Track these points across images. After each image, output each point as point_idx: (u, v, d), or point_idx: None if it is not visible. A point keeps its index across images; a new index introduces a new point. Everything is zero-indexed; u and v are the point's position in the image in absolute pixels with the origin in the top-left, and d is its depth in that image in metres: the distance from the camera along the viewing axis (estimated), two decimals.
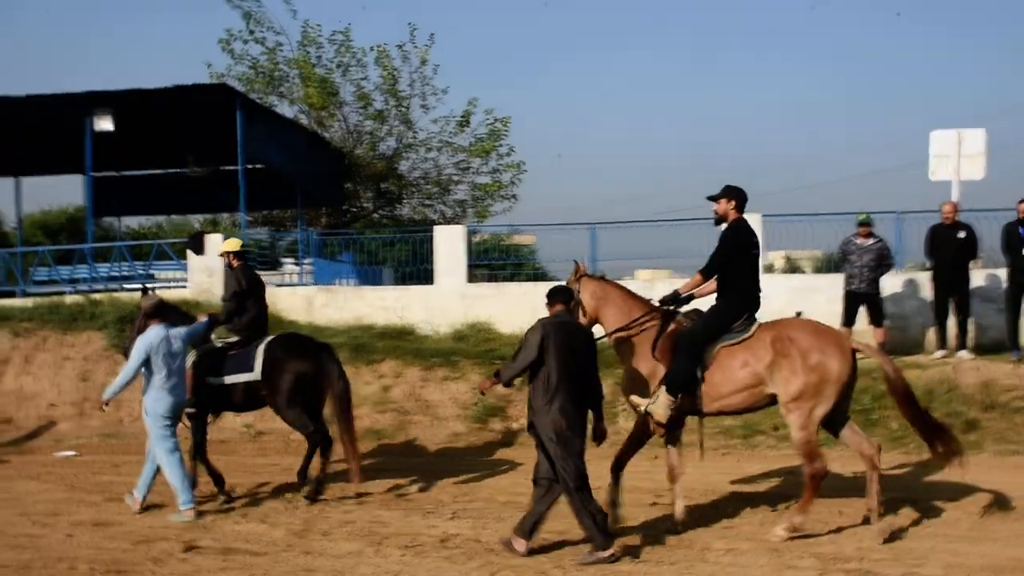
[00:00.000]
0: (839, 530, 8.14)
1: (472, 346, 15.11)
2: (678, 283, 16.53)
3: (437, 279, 17.14)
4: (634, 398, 8.32)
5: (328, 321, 16.81)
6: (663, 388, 8.01)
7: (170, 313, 9.95)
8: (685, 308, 8.53)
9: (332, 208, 27.40)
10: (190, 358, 10.02)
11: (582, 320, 8.39)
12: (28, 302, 17.98)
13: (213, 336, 10.54)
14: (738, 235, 8.30)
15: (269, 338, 10.41)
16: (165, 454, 9.34)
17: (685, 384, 7.99)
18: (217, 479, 10.24)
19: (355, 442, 10.19)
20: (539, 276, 21.88)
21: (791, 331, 7.98)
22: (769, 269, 23.02)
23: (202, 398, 10.19)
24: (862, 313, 13.75)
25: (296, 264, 22.87)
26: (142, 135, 21.99)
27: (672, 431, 8.38)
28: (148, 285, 18.91)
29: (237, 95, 21.00)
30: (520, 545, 7.41)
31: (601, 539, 7.19)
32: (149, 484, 9.60)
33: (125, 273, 20.85)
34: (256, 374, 10.07)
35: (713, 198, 8.44)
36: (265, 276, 20.62)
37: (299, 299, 17.56)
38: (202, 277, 18.02)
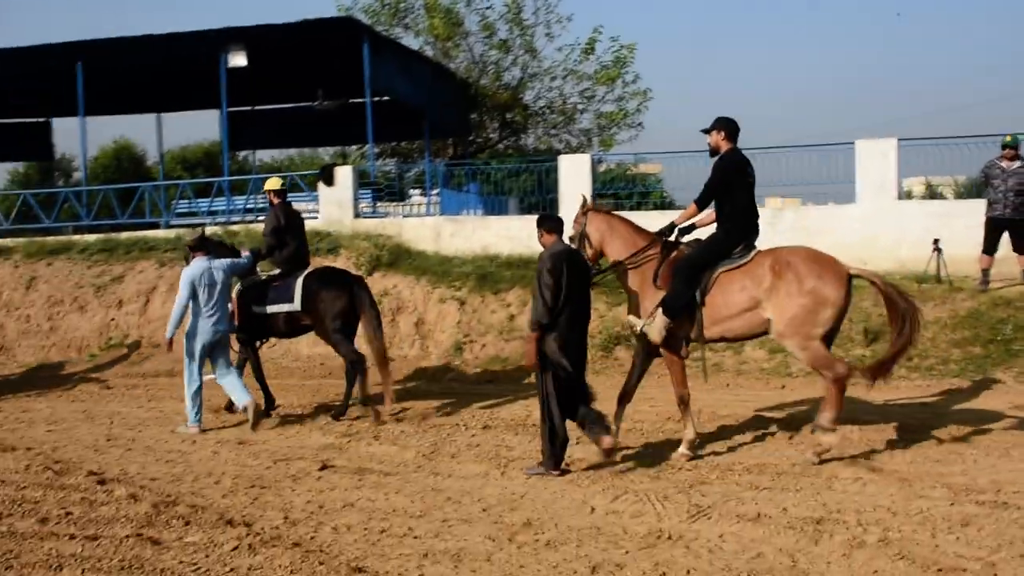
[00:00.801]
0: (973, 461, 7.93)
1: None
2: (811, 211, 16.15)
3: (562, 208, 17.11)
4: (631, 318, 8.67)
5: (455, 251, 17.03)
6: (659, 310, 8.24)
7: (217, 248, 10.85)
8: (688, 238, 8.70)
9: (458, 139, 27.59)
10: (236, 289, 10.87)
11: (588, 252, 8.71)
12: (171, 233, 18.77)
13: (258, 269, 11.31)
14: (729, 166, 8.35)
15: (307, 270, 11.14)
16: (188, 374, 10.30)
17: (682, 307, 8.20)
18: (269, 400, 11.20)
19: (387, 367, 10.90)
20: (666, 205, 21.65)
21: (789, 256, 8.11)
22: (907, 196, 22.25)
23: (250, 326, 11.03)
24: (1005, 240, 13.18)
25: (423, 195, 23.19)
26: (274, 70, 22.53)
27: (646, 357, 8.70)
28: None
29: (363, 28, 21.25)
30: (607, 442, 7.89)
31: (551, 459, 7.84)
32: (242, 387, 10.49)
33: (260, 205, 21.53)
34: (296, 304, 10.85)
35: (706, 131, 8.52)
36: (392, 207, 21.14)
37: (427, 229, 17.81)
38: (332, 209, 18.43)
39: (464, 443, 9.26)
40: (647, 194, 23.88)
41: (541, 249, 8.18)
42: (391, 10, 26.37)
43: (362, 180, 19.97)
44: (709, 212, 8.57)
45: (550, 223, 8.14)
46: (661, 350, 8.49)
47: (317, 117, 25.86)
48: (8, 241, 19.24)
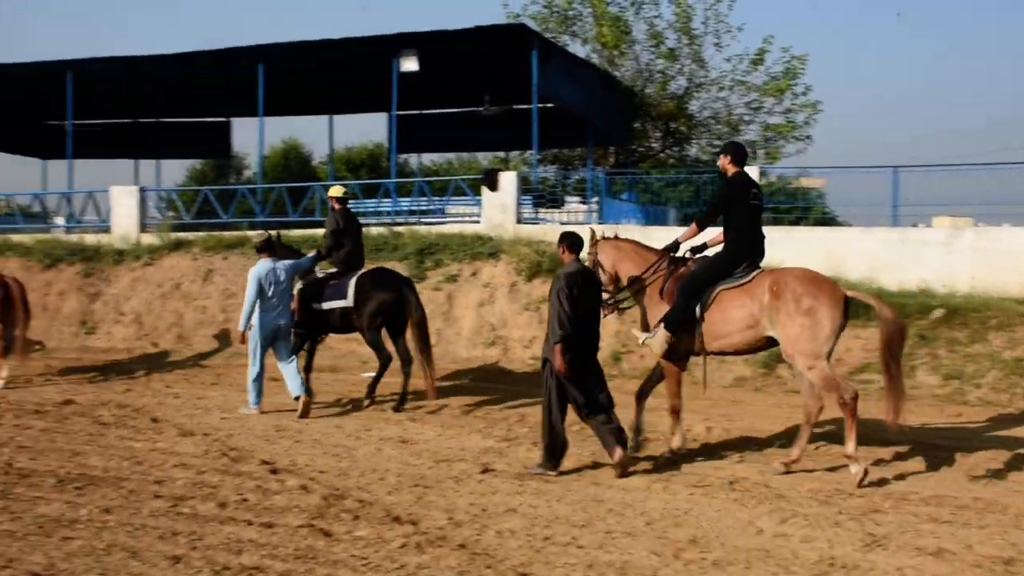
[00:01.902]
0: None
1: None
2: (992, 232, 15.42)
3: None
4: (635, 332, 9.27)
5: None
6: (662, 325, 8.70)
7: (281, 249, 12.02)
8: (699, 255, 9.19)
9: (620, 147, 27.48)
10: (296, 287, 11.95)
11: (603, 276, 9.32)
12: None
13: (317, 268, 12.29)
14: (733, 187, 8.80)
15: (361, 271, 12.03)
16: (252, 360, 11.34)
17: (681, 322, 8.64)
18: (307, 391, 11.63)
19: (431, 362, 11.64)
20: (828, 221, 21.01)
21: (787, 277, 8.39)
22: None
23: (308, 321, 11.95)
24: None
25: (582, 203, 23.17)
26: (442, 75, 22.90)
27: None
28: (443, 219, 20.01)
29: (533, 35, 21.38)
30: (619, 455, 8.23)
31: (549, 460, 8.28)
32: (299, 379, 11.33)
33: (423, 207, 21.96)
34: (349, 301, 11.70)
35: (716, 154, 8.66)
36: (550, 214, 21.20)
37: (587, 237, 17.69)
38: (495, 213, 18.57)
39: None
40: (808, 209, 23.21)
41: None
42: (559, 17, 26.49)
43: (524, 186, 20.10)
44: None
45: (570, 240, 8.54)
46: (660, 361, 9.00)
47: (481, 122, 26.22)
48: (189, 234, 20.19)
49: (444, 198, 22.48)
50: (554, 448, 8.32)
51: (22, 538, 6.45)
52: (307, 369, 12.21)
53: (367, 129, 60.90)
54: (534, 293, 15.87)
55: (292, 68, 22.99)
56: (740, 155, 8.98)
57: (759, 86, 25.97)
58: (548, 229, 18.61)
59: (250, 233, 20.02)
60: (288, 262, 11.75)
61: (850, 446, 8.02)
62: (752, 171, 17.64)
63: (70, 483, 7.86)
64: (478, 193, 19.63)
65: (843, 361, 12.98)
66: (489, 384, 13.54)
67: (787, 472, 8.29)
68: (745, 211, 8.72)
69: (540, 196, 21.77)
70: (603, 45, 25.76)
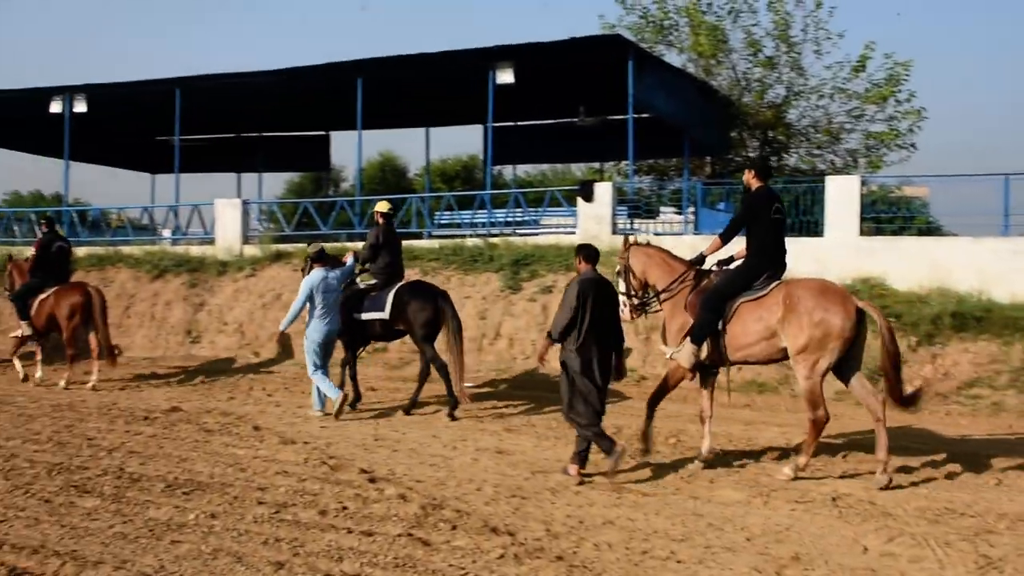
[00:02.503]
0: None
1: None
2: None
3: (827, 231, 16.52)
4: (662, 347, 9.47)
5: None
6: (688, 338, 8.88)
7: (330, 259, 12.40)
8: (728, 267, 9.35)
9: (716, 157, 27.15)
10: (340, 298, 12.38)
11: (633, 283, 9.59)
12: (434, 243, 19.45)
13: (358, 280, 12.79)
14: (756, 201, 9.03)
15: (399, 284, 12.52)
16: (313, 370, 11.89)
17: (706, 335, 8.84)
18: (357, 395, 12.69)
19: (463, 370, 12.15)
20: (932, 231, 20.39)
21: (800, 290, 8.62)
22: None
23: (350, 331, 12.48)
24: None
25: (677, 213, 22.96)
26: (537, 86, 22.96)
27: (704, 378, 9.33)
28: (538, 231, 20.03)
29: (629, 45, 21.27)
30: (573, 470, 8.51)
31: (604, 445, 8.33)
32: (321, 396, 12.09)
33: (518, 219, 22.02)
34: (385, 314, 12.27)
35: (742, 168, 8.80)
36: (645, 224, 21.05)
37: (684, 248, 17.26)
38: (591, 224, 18.53)
39: (721, 467, 9.05)
40: (911, 219, 22.57)
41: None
42: (655, 27, 26.29)
43: (619, 196, 20.00)
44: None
45: (586, 252, 8.85)
46: (669, 367, 9.24)
47: (576, 133, 26.20)
48: (289, 246, 20.62)
49: (539, 209, 22.50)
50: (601, 434, 8.38)
51: (134, 540, 6.67)
52: (352, 377, 12.75)
53: (462, 141, 61.21)
54: None
55: (390, 82, 23.31)
56: (764, 171, 9.33)
57: (861, 93, 25.32)
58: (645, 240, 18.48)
59: (348, 244, 20.37)
60: (338, 271, 12.26)
61: (803, 459, 8.58)
62: (853, 180, 17.36)
63: (178, 488, 8.10)
64: (573, 204, 19.61)
65: (951, 375, 12.64)
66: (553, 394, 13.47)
67: (889, 483, 8.17)
68: (767, 225, 8.96)
69: (636, 207, 21.64)
70: (699, 54, 25.42)
